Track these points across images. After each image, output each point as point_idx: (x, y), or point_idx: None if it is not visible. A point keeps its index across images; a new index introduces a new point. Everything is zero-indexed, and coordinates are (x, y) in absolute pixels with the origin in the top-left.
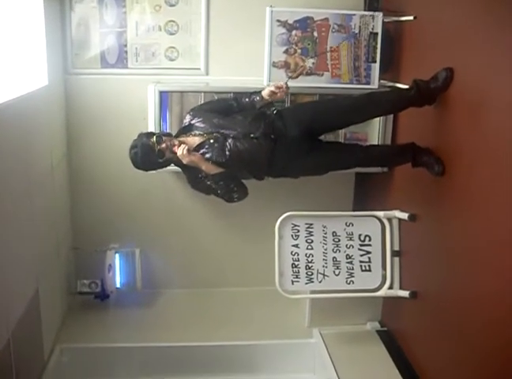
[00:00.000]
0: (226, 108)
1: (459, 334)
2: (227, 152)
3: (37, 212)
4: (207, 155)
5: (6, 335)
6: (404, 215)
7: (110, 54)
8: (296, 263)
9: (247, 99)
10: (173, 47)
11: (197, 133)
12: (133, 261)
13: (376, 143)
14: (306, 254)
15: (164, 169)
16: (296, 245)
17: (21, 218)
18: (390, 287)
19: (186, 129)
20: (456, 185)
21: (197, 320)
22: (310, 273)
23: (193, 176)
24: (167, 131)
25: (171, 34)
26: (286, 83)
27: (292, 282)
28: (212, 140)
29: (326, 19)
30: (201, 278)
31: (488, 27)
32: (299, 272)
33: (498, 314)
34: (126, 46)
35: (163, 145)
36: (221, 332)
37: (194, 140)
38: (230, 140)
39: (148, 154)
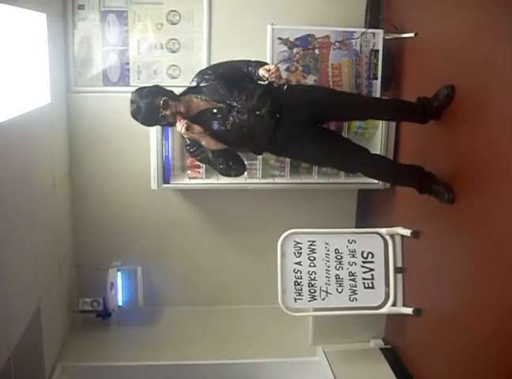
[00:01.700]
0: (235, 73)
1: (464, 351)
2: (228, 125)
3: (39, 230)
4: (206, 126)
5: (7, 354)
6: (407, 232)
7: (112, 72)
8: (299, 280)
9: (252, 69)
10: (175, 65)
11: (204, 97)
12: (135, 279)
13: None
14: (308, 271)
15: (167, 185)
16: (299, 263)
17: (23, 236)
18: (394, 304)
19: (194, 90)
20: (459, 201)
21: (199, 338)
22: (312, 290)
23: (192, 144)
24: (174, 93)
25: (173, 52)
26: (276, 66)
27: (295, 299)
28: (215, 110)
29: (327, 36)
30: (203, 295)
31: (489, 41)
32: (301, 290)
33: (503, 330)
34: (128, 64)
35: (168, 112)
36: (224, 350)
37: (199, 104)
38: (234, 113)
39: (152, 115)
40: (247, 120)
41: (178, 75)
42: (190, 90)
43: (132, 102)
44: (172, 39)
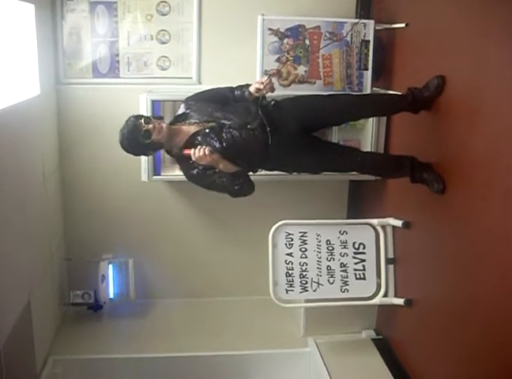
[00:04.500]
0: (221, 98)
1: (455, 341)
2: (223, 142)
3: (29, 223)
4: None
5: None
6: (398, 223)
7: (102, 64)
8: (290, 272)
9: (239, 92)
10: (165, 57)
11: (193, 121)
12: (127, 272)
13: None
14: (300, 263)
15: (158, 177)
16: (290, 254)
17: (13, 229)
18: (385, 295)
19: (181, 118)
20: (450, 192)
21: (191, 330)
22: (304, 282)
23: (189, 168)
24: (160, 115)
25: (163, 43)
26: (269, 78)
27: (287, 291)
28: (207, 130)
29: (318, 27)
30: (195, 288)
31: (480, 32)
32: (293, 281)
33: (494, 321)
34: (117, 55)
35: (151, 126)
36: (216, 342)
37: (190, 129)
38: (225, 130)
39: (135, 133)
40: (240, 135)
41: (169, 66)
42: (177, 118)
43: (119, 132)
44: (162, 31)
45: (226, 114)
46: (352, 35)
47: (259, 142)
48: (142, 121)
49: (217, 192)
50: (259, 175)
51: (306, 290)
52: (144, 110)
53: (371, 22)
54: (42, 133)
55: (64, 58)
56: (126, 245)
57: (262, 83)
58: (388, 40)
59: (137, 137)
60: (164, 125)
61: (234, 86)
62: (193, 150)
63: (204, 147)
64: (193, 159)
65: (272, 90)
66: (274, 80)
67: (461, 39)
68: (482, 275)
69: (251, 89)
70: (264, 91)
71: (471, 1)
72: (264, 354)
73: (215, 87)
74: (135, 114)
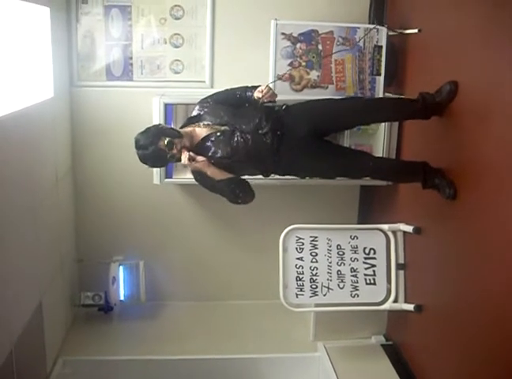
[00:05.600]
0: (235, 100)
1: (465, 348)
2: (233, 144)
3: (41, 225)
4: (212, 150)
5: (9, 347)
6: (409, 228)
7: (115, 67)
8: (301, 276)
9: (249, 94)
10: (178, 60)
11: (205, 123)
12: (137, 274)
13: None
14: (310, 267)
15: (170, 180)
16: (301, 258)
17: (25, 230)
18: (395, 301)
19: (194, 120)
20: (461, 198)
21: (201, 333)
22: (314, 286)
23: (198, 173)
24: (174, 128)
25: (176, 47)
26: (267, 86)
27: (297, 295)
28: (218, 133)
29: (331, 32)
30: (205, 291)
31: (492, 38)
32: (303, 285)
33: (506, 326)
34: (131, 58)
35: (175, 151)
36: (225, 345)
37: (202, 132)
38: (237, 134)
39: (160, 159)
40: (251, 139)
41: (182, 70)
42: (191, 120)
43: (137, 147)
44: (176, 34)
45: (238, 118)
46: (364, 40)
47: (269, 146)
48: (165, 145)
49: (221, 195)
50: (271, 179)
51: (316, 295)
52: (157, 113)
53: (384, 27)
54: (55, 135)
55: (78, 60)
56: (137, 247)
57: (261, 92)
58: (400, 46)
59: (163, 161)
60: (188, 143)
61: (249, 86)
62: (182, 155)
63: (186, 153)
64: (182, 163)
65: (273, 98)
66: (286, 84)
67: (474, 44)
68: (493, 281)
69: (254, 95)
70: (264, 100)
71: (484, 7)
72: (273, 358)
73: (229, 88)
74: (151, 128)
